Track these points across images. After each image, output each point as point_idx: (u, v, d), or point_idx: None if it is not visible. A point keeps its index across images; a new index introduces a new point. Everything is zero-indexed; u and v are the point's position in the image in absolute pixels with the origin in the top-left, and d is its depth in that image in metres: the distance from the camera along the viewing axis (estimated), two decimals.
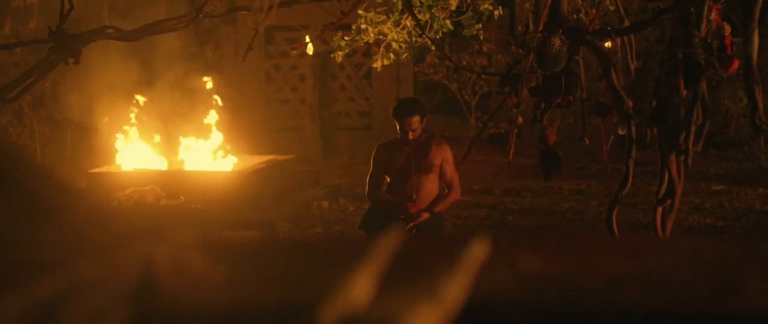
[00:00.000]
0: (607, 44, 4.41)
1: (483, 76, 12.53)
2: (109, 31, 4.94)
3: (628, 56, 4.64)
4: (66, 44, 4.51)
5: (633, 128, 3.91)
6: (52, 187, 0.65)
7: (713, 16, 3.75)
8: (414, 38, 5.33)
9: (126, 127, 9.49)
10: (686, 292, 0.73)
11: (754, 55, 3.49)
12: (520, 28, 4.31)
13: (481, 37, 5.74)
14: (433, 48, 5.52)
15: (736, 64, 3.75)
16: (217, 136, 9.54)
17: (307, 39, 5.97)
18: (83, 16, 7.52)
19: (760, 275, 0.78)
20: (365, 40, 5.33)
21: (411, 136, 4.92)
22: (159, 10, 8.05)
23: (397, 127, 4.96)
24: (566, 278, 0.77)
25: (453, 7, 5.18)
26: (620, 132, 3.86)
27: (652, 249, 0.89)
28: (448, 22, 5.25)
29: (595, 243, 0.92)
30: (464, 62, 12.13)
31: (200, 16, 4.61)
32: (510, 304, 0.72)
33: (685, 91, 3.69)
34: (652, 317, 0.68)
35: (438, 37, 5.26)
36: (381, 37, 5.34)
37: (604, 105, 4.13)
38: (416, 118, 4.91)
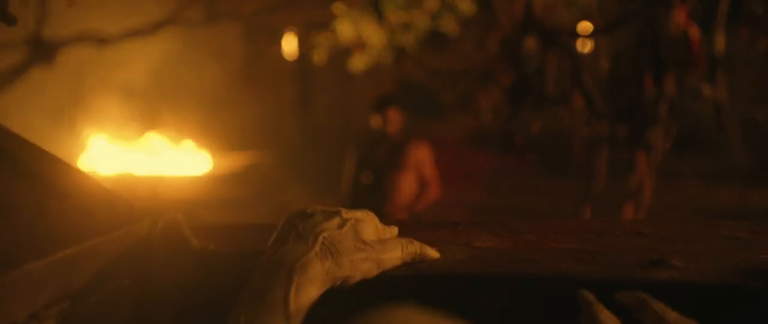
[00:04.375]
0: (588, 46, 4.52)
1: (461, 78, 12.63)
2: (85, 36, 5.02)
3: (602, 57, 4.75)
4: (43, 49, 4.59)
5: (606, 126, 4.02)
6: (58, 167, 0.75)
7: (681, 17, 3.86)
8: (395, 38, 5.40)
9: (99, 131, 9.48)
10: (619, 263, 0.85)
11: (719, 54, 3.60)
12: (496, 30, 4.42)
13: (457, 35, 5.83)
14: (407, 52, 5.60)
15: (705, 64, 3.86)
16: (196, 138, 9.56)
17: (288, 38, 6.05)
18: (64, 16, 7.56)
19: (684, 250, 0.90)
20: (345, 38, 5.39)
21: (391, 128, 5.00)
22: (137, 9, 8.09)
23: (377, 122, 5.04)
24: (514, 253, 0.89)
25: (433, 9, 5.27)
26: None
27: (597, 230, 1.00)
28: (427, 21, 5.31)
29: (544, 226, 1.03)
30: (442, 63, 12.23)
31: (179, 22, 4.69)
32: (465, 273, 0.83)
33: (653, 90, 3.80)
34: (586, 282, 0.80)
35: (418, 39, 5.34)
36: (361, 38, 5.41)
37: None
38: (395, 109, 5.00)
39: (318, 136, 13.63)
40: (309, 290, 0.76)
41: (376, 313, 0.61)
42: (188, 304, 0.80)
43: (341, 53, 6.69)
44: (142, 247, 0.75)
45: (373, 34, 5.34)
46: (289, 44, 6.15)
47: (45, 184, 0.72)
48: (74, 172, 0.76)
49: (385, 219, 0.95)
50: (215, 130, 9.98)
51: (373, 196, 5.08)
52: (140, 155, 9.40)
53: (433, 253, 0.88)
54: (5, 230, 0.65)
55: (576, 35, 4.21)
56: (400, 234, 0.94)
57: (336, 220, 0.85)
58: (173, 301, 0.79)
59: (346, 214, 0.87)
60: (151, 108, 9.77)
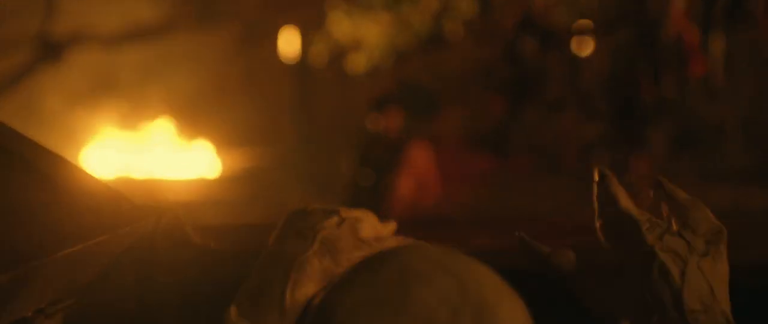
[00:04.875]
0: (590, 48, 4.52)
1: (462, 77, 12.62)
2: (86, 35, 5.01)
3: (602, 58, 4.76)
4: (47, 50, 4.61)
5: (605, 127, 4.03)
6: (64, 167, 0.77)
7: (680, 18, 3.86)
8: (393, 38, 5.38)
9: (97, 132, 9.38)
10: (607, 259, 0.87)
11: (717, 56, 3.61)
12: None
13: (461, 35, 5.80)
14: (407, 52, 5.57)
15: (703, 65, 3.86)
16: (194, 141, 9.50)
17: (287, 39, 6.02)
18: (68, 16, 7.56)
19: None
20: (342, 37, 5.36)
21: (390, 128, 5.00)
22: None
23: (376, 122, 5.04)
24: (509, 251, 0.91)
25: (435, 8, 5.25)
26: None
27: (589, 230, 1.02)
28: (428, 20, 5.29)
29: (542, 225, 1.05)
30: (442, 61, 12.23)
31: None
32: None
33: (652, 90, 3.81)
34: (575, 275, 0.86)
35: (420, 38, 5.32)
36: (360, 38, 5.39)
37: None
38: (394, 110, 4.99)
39: (317, 137, 13.59)
40: (306, 287, 0.78)
41: (392, 252, 0.66)
42: (189, 300, 0.82)
43: (341, 54, 6.72)
44: (146, 244, 0.77)
45: (372, 33, 5.33)
46: (288, 45, 6.14)
47: (52, 184, 0.74)
48: (79, 172, 0.78)
49: (384, 219, 0.97)
50: (214, 132, 9.96)
51: (373, 197, 5.09)
52: (140, 157, 9.35)
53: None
54: (14, 227, 0.67)
55: (574, 34, 4.22)
56: (399, 233, 0.95)
57: (335, 219, 0.86)
58: (175, 297, 0.81)
59: (345, 212, 0.89)
60: (151, 109, 9.74)
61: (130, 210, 0.77)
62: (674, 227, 0.83)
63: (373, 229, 0.90)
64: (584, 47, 4.58)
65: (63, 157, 0.79)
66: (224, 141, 10.22)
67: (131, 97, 9.63)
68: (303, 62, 12.93)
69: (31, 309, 0.64)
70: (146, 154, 9.38)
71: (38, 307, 0.64)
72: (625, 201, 0.85)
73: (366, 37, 5.36)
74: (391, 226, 0.96)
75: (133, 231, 0.74)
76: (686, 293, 0.76)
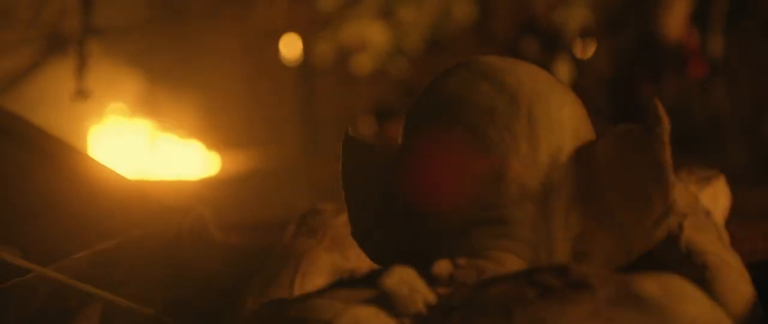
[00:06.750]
0: (591, 50, 4.52)
1: None
2: (96, 30, 5.01)
3: (602, 59, 4.78)
4: (56, 44, 4.64)
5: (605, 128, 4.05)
6: (96, 168, 0.83)
7: (678, 20, 3.86)
8: (398, 40, 5.37)
9: (95, 131, 9.29)
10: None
11: (715, 55, 3.61)
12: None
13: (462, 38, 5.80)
14: (410, 54, 5.57)
15: (702, 66, 3.87)
16: (195, 141, 9.41)
17: (289, 39, 6.00)
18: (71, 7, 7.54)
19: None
20: (347, 38, 5.35)
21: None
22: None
23: (376, 132, 5.05)
24: None
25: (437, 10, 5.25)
26: None
27: None
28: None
29: None
30: (444, 64, 12.21)
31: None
32: None
33: (652, 92, 3.82)
34: None
35: (424, 40, 5.32)
36: (364, 39, 5.38)
37: None
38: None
39: (321, 139, 13.53)
40: (314, 279, 0.83)
41: (463, 62, 0.76)
42: (213, 294, 0.87)
43: (345, 56, 6.74)
44: (172, 242, 0.82)
45: (378, 34, 5.32)
46: (291, 46, 6.18)
47: (83, 182, 0.79)
48: (108, 171, 0.83)
49: None
50: (215, 133, 9.90)
51: None
52: (139, 158, 9.27)
53: None
54: (51, 224, 0.72)
55: (576, 36, 4.24)
56: None
57: (344, 217, 0.91)
58: (198, 288, 0.86)
59: None
60: (152, 110, 9.70)
61: (158, 209, 0.82)
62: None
63: None
64: (585, 49, 4.60)
65: (91, 156, 0.85)
66: (226, 141, 10.17)
67: (132, 98, 9.61)
68: (306, 63, 12.84)
69: (75, 299, 0.69)
70: (146, 154, 9.31)
71: (80, 298, 0.69)
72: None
73: (371, 38, 5.36)
74: None
75: (161, 229, 0.80)
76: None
